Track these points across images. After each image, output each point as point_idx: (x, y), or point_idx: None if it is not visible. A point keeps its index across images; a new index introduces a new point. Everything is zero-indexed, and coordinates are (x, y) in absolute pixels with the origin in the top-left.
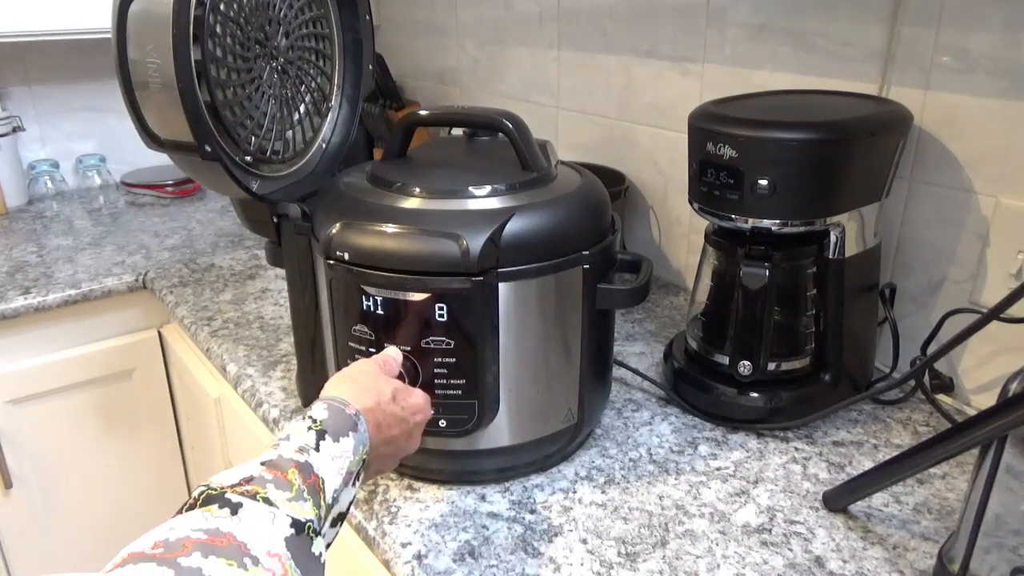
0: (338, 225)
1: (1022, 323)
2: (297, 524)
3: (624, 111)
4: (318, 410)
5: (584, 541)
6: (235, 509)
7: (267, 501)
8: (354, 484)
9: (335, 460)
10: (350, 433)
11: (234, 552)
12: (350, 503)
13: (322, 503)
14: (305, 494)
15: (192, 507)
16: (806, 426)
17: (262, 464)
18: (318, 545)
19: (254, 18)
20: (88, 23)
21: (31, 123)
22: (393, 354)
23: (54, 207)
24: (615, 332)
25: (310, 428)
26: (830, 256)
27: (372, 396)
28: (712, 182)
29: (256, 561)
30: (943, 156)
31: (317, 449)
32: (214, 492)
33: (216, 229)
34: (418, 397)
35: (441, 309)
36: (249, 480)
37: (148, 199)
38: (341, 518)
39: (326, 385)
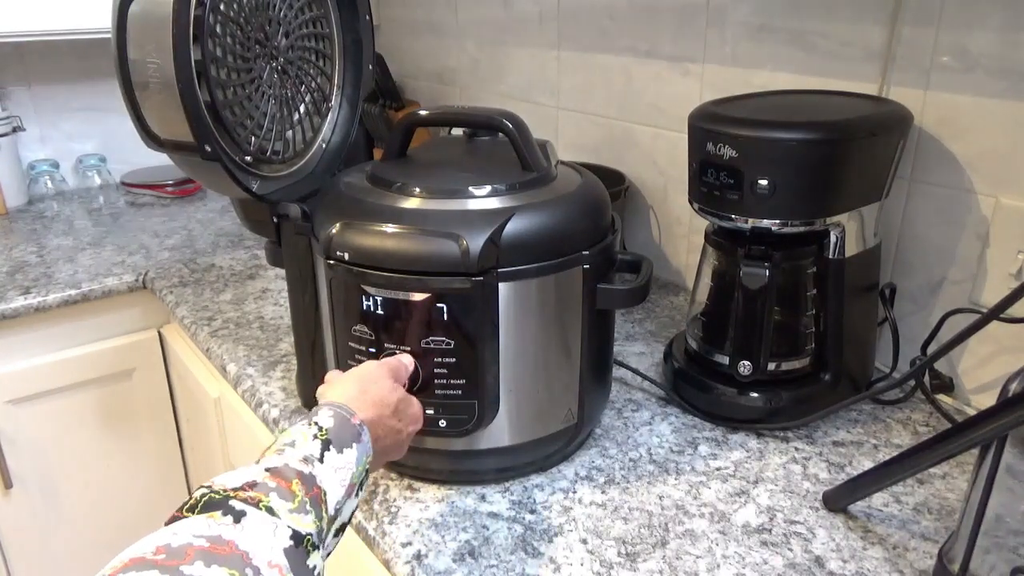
0: (338, 225)
1: (1022, 323)
2: (296, 536)
3: (624, 111)
4: (324, 417)
5: (584, 541)
6: (238, 517)
7: (270, 510)
8: (356, 495)
9: (338, 472)
10: (354, 444)
11: (236, 561)
12: (352, 513)
13: (324, 515)
14: (307, 506)
15: (193, 507)
16: (806, 426)
17: (267, 471)
18: (314, 558)
19: (254, 18)
20: (88, 23)
21: (31, 123)
22: (406, 361)
23: (54, 207)
24: (615, 332)
25: (316, 437)
26: (830, 256)
27: (376, 408)
28: (712, 182)
29: (257, 572)
30: (943, 156)
31: (321, 460)
32: (217, 496)
33: (216, 229)
34: (416, 407)
35: (441, 309)
36: (252, 485)
37: (148, 199)
38: (343, 528)
39: (335, 382)
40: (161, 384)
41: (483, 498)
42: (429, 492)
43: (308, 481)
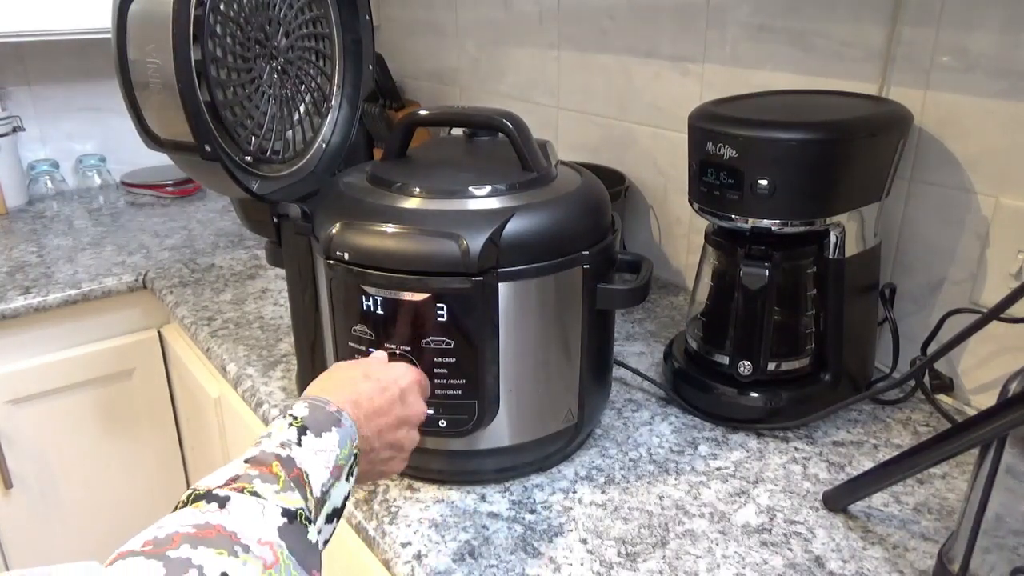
0: (338, 225)
1: (1022, 323)
2: (288, 513)
3: (624, 111)
4: (298, 408)
5: (584, 541)
6: (223, 503)
7: (255, 494)
8: (347, 479)
9: (319, 454)
10: (333, 428)
11: (224, 541)
12: (344, 498)
13: (308, 495)
14: (292, 486)
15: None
16: (806, 426)
17: (245, 462)
18: (313, 533)
19: (254, 18)
20: (88, 23)
21: (31, 123)
22: (379, 356)
23: (54, 207)
24: (615, 332)
25: (291, 425)
26: (830, 256)
27: (345, 384)
28: (712, 182)
29: (247, 549)
30: (943, 156)
31: (299, 444)
32: (201, 491)
33: (216, 229)
34: (397, 367)
35: (441, 309)
36: (235, 479)
37: (148, 199)
38: (337, 514)
39: (306, 389)
40: (161, 384)
41: (483, 498)
42: (429, 492)
43: (287, 463)
